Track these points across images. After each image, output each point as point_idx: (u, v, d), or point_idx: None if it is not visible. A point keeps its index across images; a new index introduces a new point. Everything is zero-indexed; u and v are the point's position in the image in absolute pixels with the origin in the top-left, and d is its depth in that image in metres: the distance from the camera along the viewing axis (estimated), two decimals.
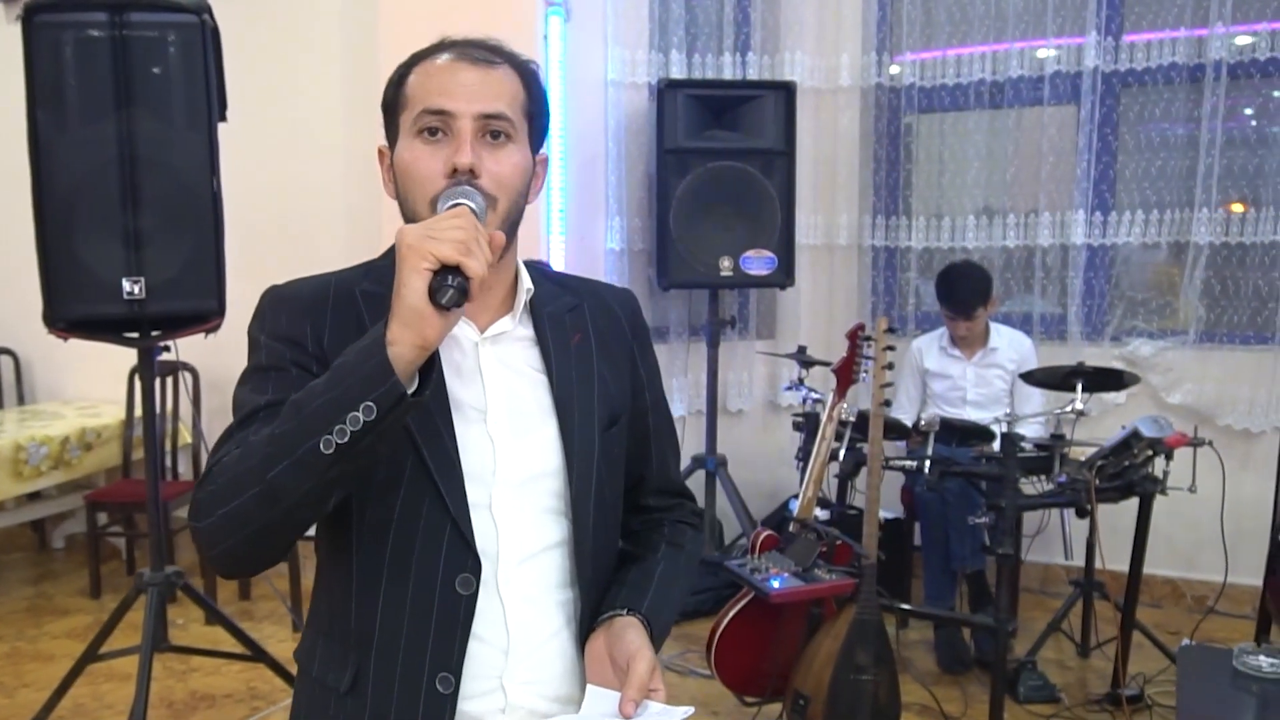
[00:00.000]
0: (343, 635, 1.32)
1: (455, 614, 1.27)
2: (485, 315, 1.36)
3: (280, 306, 1.33)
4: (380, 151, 1.38)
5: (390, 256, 1.34)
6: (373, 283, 1.33)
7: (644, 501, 1.53)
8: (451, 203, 1.21)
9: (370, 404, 1.10)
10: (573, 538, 1.35)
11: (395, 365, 1.10)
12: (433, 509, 1.27)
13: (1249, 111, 4.28)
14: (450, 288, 1.10)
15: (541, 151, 1.40)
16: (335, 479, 1.15)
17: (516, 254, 1.39)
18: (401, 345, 1.11)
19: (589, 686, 1.28)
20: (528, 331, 1.39)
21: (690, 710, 1.23)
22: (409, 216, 1.29)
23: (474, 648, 1.29)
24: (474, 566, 1.28)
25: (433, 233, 1.11)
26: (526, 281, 1.39)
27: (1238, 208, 4.23)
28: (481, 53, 1.31)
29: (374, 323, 1.22)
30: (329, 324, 1.31)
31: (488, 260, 1.13)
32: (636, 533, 1.51)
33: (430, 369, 1.15)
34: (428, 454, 1.27)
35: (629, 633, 1.30)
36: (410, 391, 1.13)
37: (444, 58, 1.31)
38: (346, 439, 1.11)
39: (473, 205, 1.22)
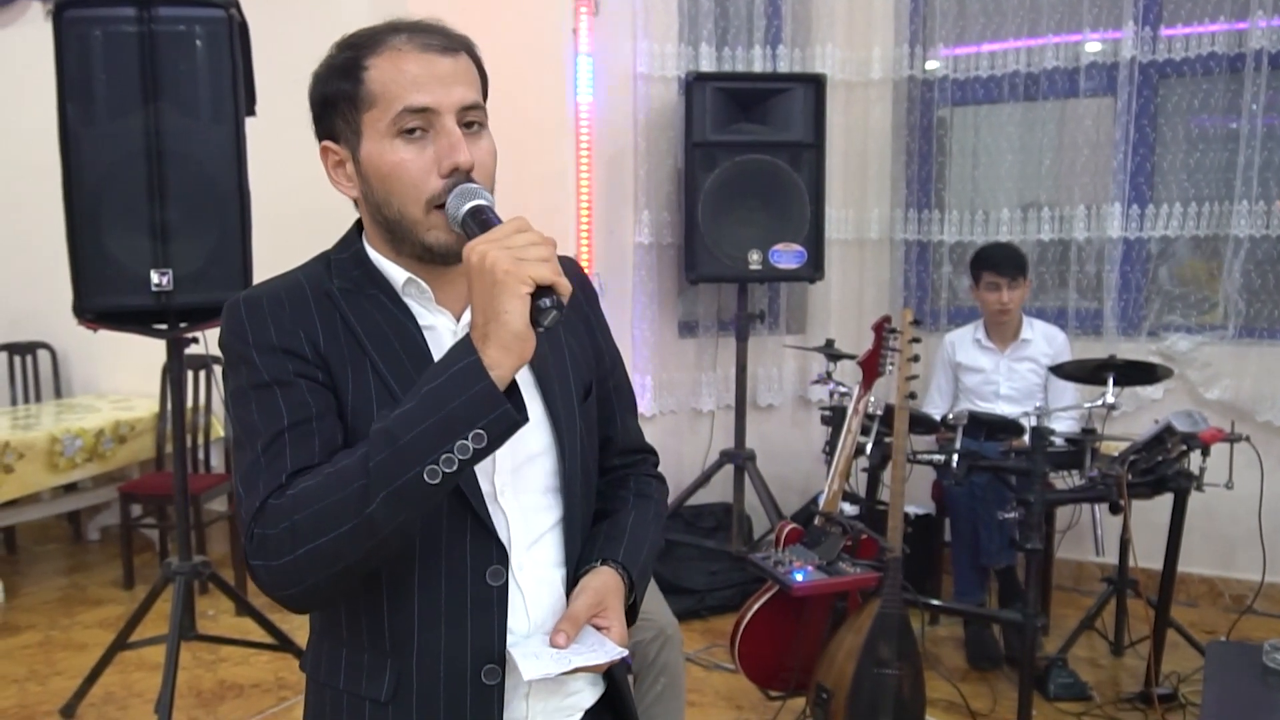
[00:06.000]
0: (376, 643, 1.28)
1: (490, 606, 1.27)
2: (458, 303, 1.32)
3: (261, 316, 1.24)
4: (326, 149, 1.31)
5: (349, 249, 1.33)
6: (342, 279, 1.30)
7: (611, 462, 1.50)
8: (472, 203, 1.20)
9: (480, 431, 1.10)
10: (565, 515, 1.35)
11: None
12: (453, 504, 1.25)
13: None
14: (552, 309, 1.10)
15: None
16: (429, 509, 1.16)
17: None
18: (503, 369, 1.11)
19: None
20: None
21: (623, 653, 1.25)
22: (392, 218, 1.26)
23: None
24: (500, 556, 1.27)
25: (519, 254, 1.10)
26: None
27: None
28: (440, 38, 1.26)
29: (359, 322, 1.24)
30: (320, 328, 1.25)
31: None
32: (603, 491, 1.49)
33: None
34: None
35: (586, 578, 1.32)
36: None
37: (403, 45, 1.24)
38: (455, 467, 1.11)
39: (488, 203, 1.21)
